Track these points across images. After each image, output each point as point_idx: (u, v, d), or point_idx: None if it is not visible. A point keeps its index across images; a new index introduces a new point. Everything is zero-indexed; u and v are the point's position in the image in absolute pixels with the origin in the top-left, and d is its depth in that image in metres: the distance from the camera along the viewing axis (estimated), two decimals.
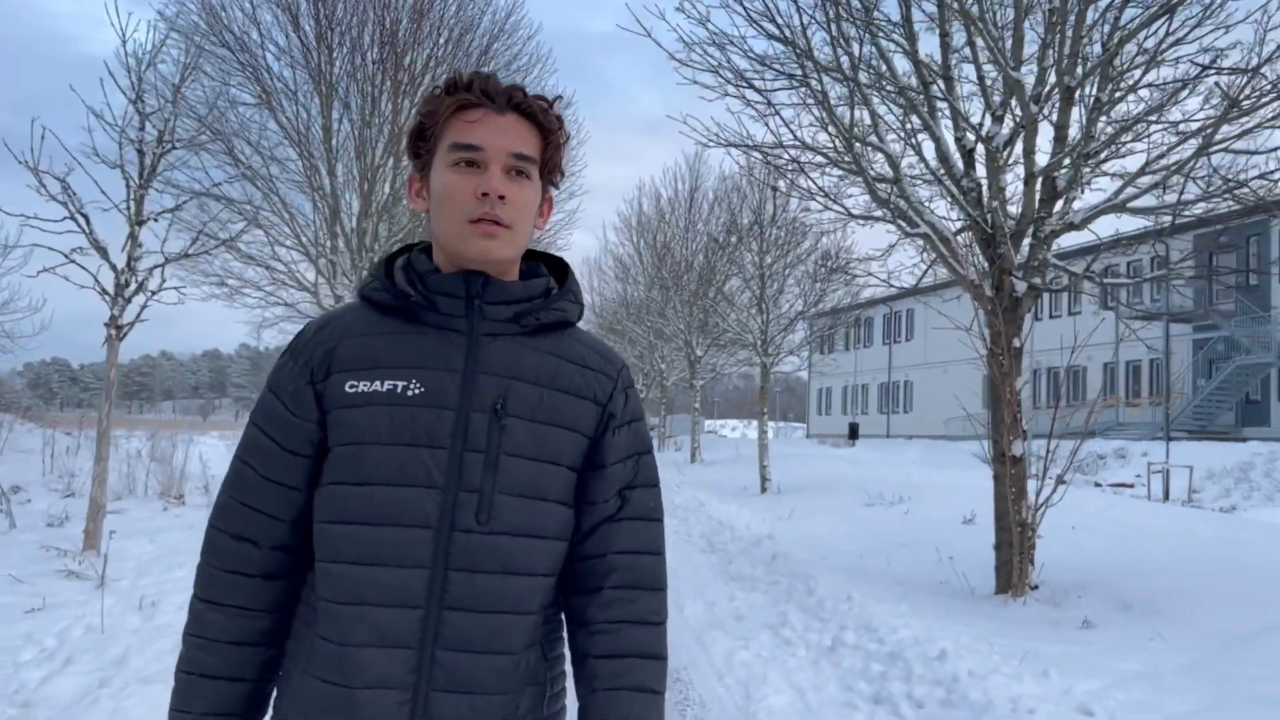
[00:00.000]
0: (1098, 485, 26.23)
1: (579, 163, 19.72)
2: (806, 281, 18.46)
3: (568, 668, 1.57)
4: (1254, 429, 32.76)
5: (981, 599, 8.26)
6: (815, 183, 9.02)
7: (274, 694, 1.53)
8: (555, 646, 1.56)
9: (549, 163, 1.53)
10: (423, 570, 1.39)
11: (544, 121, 1.50)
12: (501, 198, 1.44)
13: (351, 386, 1.44)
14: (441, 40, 18.06)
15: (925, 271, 9.41)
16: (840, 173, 9.40)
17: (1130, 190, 8.36)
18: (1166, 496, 22.73)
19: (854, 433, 40.77)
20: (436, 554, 1.40)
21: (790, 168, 9.12)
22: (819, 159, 9.52)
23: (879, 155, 8.95)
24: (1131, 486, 25.89)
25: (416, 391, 1.43)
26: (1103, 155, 8.41)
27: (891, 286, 9.66)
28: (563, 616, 1.57)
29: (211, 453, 31.64)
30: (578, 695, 1.52)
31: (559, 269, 1.63)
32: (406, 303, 1.48)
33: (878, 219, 9.56)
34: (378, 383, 1.43)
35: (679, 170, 30.91)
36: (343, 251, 17.83)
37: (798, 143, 9.28)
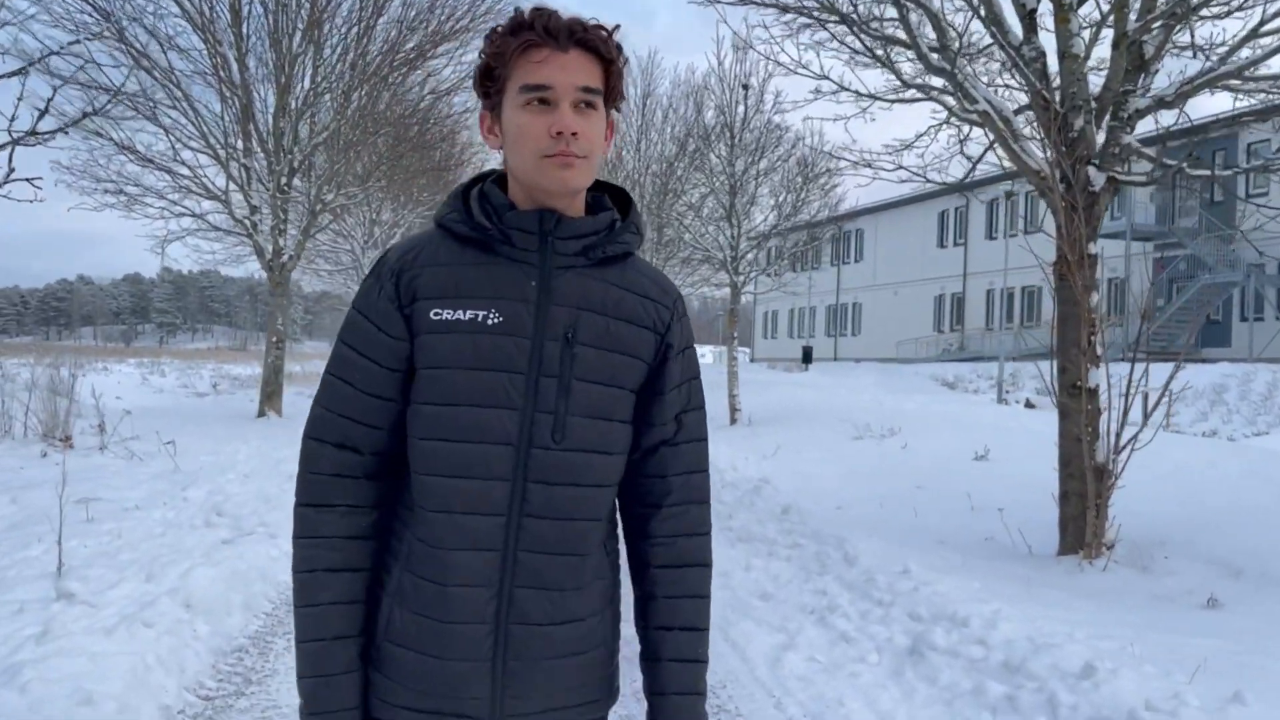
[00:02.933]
0: None
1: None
2: (781, 191, 16.70)
3: (622, 561, 1.69)
4: (1215, 350, 32.14)
5: (1047, 562, 6.79)
6: (863, 38, 7.21)
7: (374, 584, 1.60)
8: (614, 544, 1.67)
9: (612, 90, 1.55)
10: (505, 482, 1.50)
11: (605, 52, 1.53)
12: (575, 134, 1.48)
13: (436, 314, 1.51)
14: None
15: (978, 159, 7.73)
16: (869, 42, 7.61)
17: (1236, 60, 6.73)
18: (1146, 421, 21.68)
19: (807, 357, 39.50)
20: (517, 468, 1.50)
21: (818, 23, 7.31)
22: (840, 28, 7.73)
23: (919, 14, 7.18)
24: (1103, 412, 24.92)
25: (496, 320, 1.51)
26: (1205, 12, 6.76)
27: (928, 181, 7.97)
28: (618, 518, 1.69)
29: (123, 383, 29.20)
30: (637, 597, 1.65)
31: (622, 200, 1.67)
32: (484, 236, 1.55)
33: (919, 99, 7.83)
34: (460, 311, 1.51)
35: (630, 74, 28.73)
36: (257, 154, 15.59)
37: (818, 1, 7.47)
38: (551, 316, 1.53)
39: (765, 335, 61.60)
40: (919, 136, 8.41)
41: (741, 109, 16.68)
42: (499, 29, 1.54)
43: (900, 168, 7.93)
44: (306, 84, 15.75)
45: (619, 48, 1.56)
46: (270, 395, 16.08)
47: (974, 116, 7.16)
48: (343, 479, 1.55)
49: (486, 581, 1.50)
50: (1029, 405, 25.84)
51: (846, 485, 9.79)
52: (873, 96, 8.27)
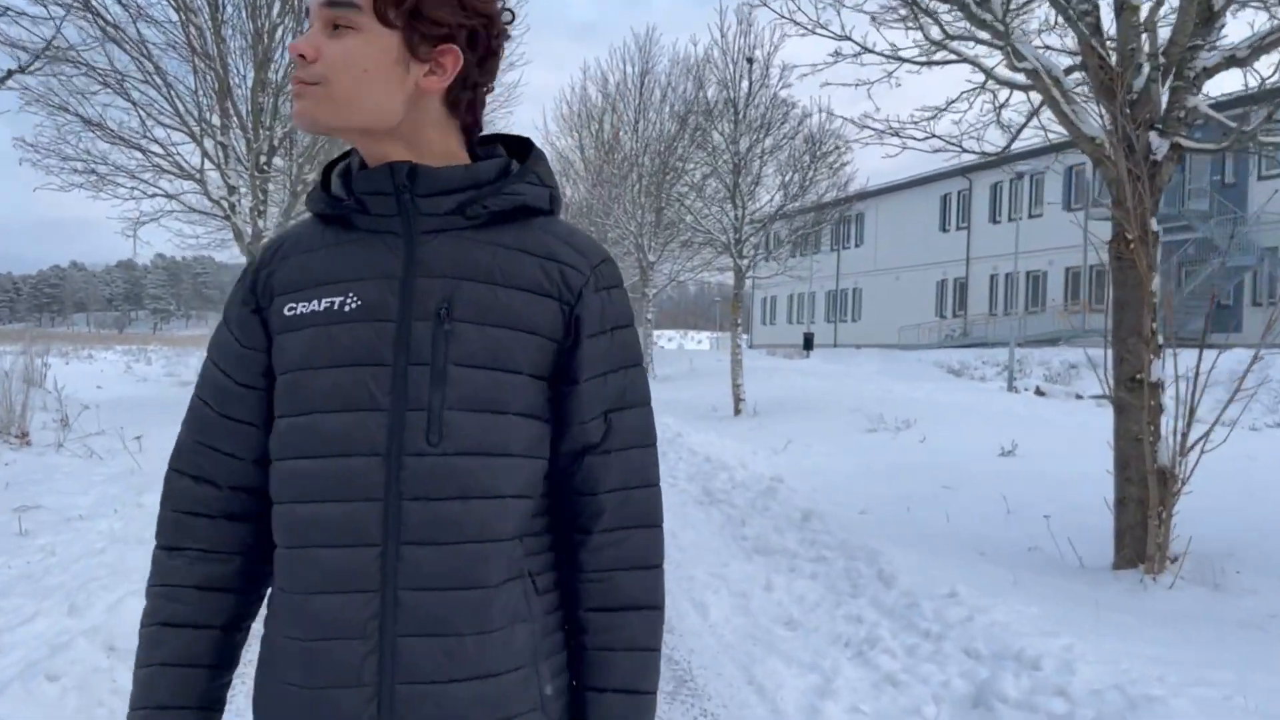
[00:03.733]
0: (1078, 397, 24.51)
1: (519, 25, 16.73)
2: (787, 170, 15.87)
3: None
4: (1224, 335, 31.40)
5: (1104, 577, 6.04)
6: None
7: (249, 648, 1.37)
8: (550, 578, 1.30)
9: (395, 1, 1.20)
10: (375, 503, 1.20)
11: None
12: (302, 56, 1.22)
13: (290, 309, 1.27)
14: None
15: (1023, 125, 6.93)
16: None
17: None
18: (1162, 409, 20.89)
19: (809, 343, 38.76)
20: (389, 483, 1.21)
21: None
22: None
23: None
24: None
25: (354, 306, 1.24)
26: None
27: (963, 151, 7.19)
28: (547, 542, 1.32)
29: (106, 372, 28.37)
30: (568, 643, 1.32)
31: (525, 150, 1.35)
32: (341, 210, 1.29)
33: (952, 60, 7.05)
34: (315, 301, 1.26)
35: (628, 51, 27.58)
36: (236, 132, 14.75)
37: None
38: (420, 291, 1.24)
39: (764, 321, 60.80)
40: (950, 103, 7.63)
41: (746, 84, 15.86)
42: None
43: (933, 136, 7.14)
44: (286, 56, 14.89)
45: None
46: None
47: (1020, 78, 6.38)
48: (196, 518, 1.32)
49: (361, 632, 1.20)
50: (1039, 393, 25.14)
51: (866, 484, 9.04)
52: (900, 58, 7.48)
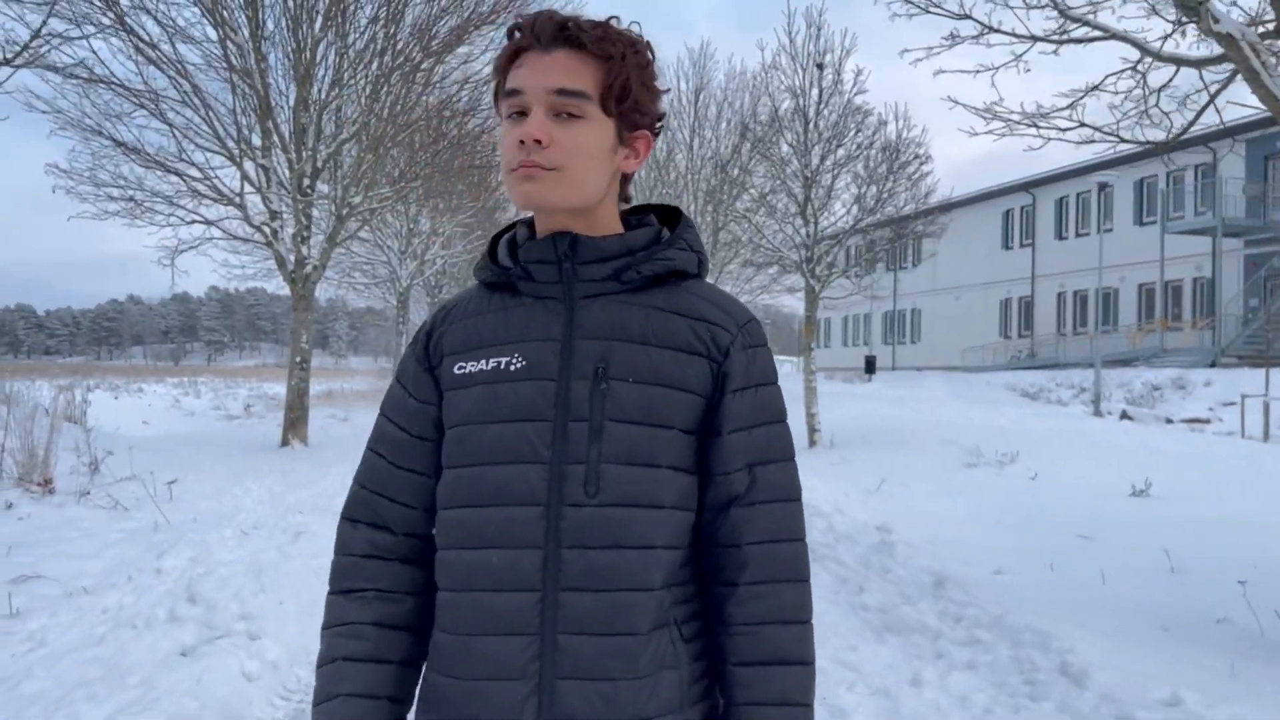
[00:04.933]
0: (1169, 421, 22.95)
1: None
2: (864, 182, 14.73)
3: None
4: None
5: None
6: None
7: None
8: (695, 627, 1.34)
9: (617, 93, 1.31)
10: (536, 550, 1.27)
11: (597, 49, 1.30)
12: (538, 141, 1.29)
13: (460, 368, 1.37)
14: None
15: (1206, 105, 5.77)
16: None
17: None
18: (1267, 435, 19.36)
19: (870, 366, 37.36)
20: (548, 532, 1.28)
21: None
22: None
23: None
24: (1208, 422, 22.61)
25: (519, 365, 1.33)
26: None
27: (1121, 141, 6.05)
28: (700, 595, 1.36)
29: (154, 405, 27.88)
30: (716, 696, 1.36)
31: (673, 218, 1.47)
32: (508, 277, 1.40)
33: (1098, 37, 5.93)
34: (482, 362, 1.35)
35: (681, 67, 26.53)
36: (277, 153, 13.96)
37: None
38: (579, 352, 1.32)
39: (820, 344, 59.39)
40: (1093, 88, 6.49)
41: (816, 91, 14.79)
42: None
43: (1082, 125, 6.01)
44: (330, 73, 14.11)
45: (627, 41, 1.32)
46: (295, 422, 14.39)
47: (1188, 52, 5.24)
48: (373, 560, 1.38)
49: (522, 674, 1.25)
50: (1125, 417, 23.62)
51: (988, 534, 7.85)
52: (1033, 38, 6.37)
